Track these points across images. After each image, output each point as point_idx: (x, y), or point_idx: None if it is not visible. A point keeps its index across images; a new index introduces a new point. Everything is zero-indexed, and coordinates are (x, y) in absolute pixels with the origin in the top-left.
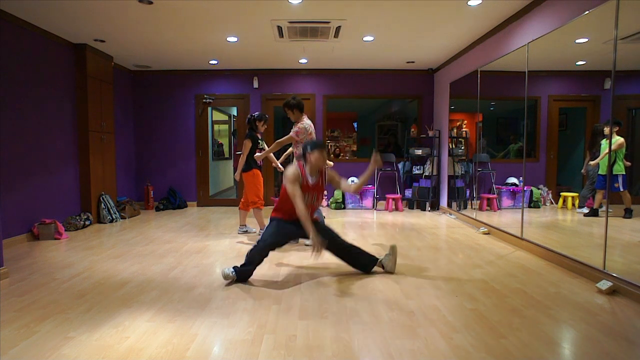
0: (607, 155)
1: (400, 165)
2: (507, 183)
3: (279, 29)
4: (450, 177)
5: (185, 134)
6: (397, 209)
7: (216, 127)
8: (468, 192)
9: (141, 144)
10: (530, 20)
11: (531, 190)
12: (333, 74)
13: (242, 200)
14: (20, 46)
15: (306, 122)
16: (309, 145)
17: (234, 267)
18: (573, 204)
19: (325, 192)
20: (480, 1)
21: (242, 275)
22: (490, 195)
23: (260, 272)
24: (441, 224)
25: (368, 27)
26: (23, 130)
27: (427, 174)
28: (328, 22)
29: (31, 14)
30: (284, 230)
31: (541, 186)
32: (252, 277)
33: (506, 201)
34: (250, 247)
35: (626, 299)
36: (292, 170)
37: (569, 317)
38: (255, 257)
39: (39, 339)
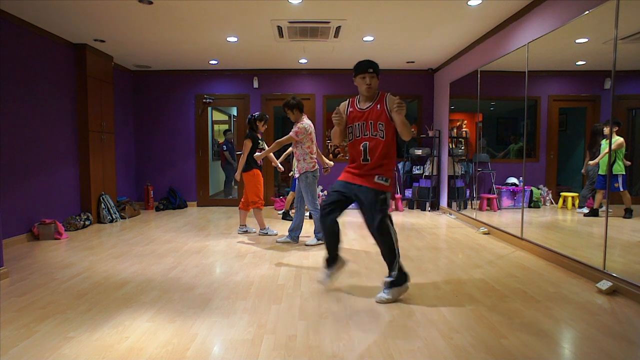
0: (606, 155)
1: (400, 165)
2: (507, 183)
3: (279, 29)
4: (450, 177)
5: (185, 134)
6: (397, 209)
7: (216, 127)
8: (468, 192)
9: (141, 144)
10: (530, 20)
11: (531, 190)
12: (333, 74)
13: (242, 200)
14: (20, 46)
15: (306, 122)
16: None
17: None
18: (573, 204)
19: (326, 193)
20: (480, 1)
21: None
22: (490, 195)
23: (260, 272)
24: (441, 224)
25: (368, 27)
26: (23, 130)
27: (427, 174)
28: (328, 22)
29: (31, 14)
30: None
31: (541, 186)
32: (251, 277)
33: (506, 201)
34: (250, 247)
35: (626, 299)
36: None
37: (569, 317)
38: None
39: (39, 339)
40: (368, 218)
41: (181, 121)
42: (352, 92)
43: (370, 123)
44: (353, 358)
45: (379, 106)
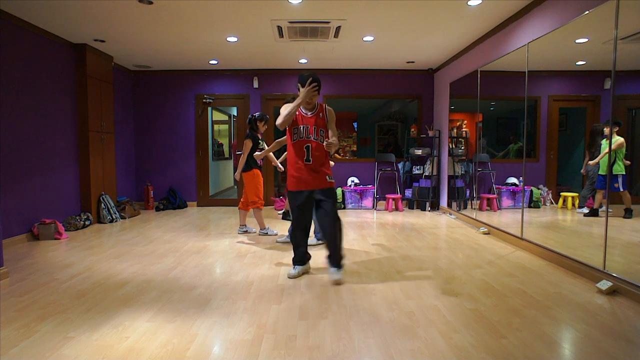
0: (606, 155)
1: (400, 165)
2: (507, 183)
3: (279, 29)
4: (450, 177)
5: (185, 134)
6: (397, 209)
7: (216, 127)
8: (468, 192)
9: (141, 144)
10: (530, 20)
11: (531, 190)
12: (333, 74)
13: (242, 200)
14: (20, 46)
15: None
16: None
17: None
18: (573, 204)
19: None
20: (480, 1)
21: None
22: (490, 195)
23: (260, 272)
24: (441, 224)
25: (368, 27)
26: (23, 130)
27: (427, 174)
28: (328, 22)
29: (31, 14)
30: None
31: (541, 186)
32: (251, 277)
33: (506, 201)
34: (250, 247)
35: (626, 299)
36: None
37: (569, 317)
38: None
39: (39, 339)
40: (328, 209)
41: (181, 121)
42: (351, 92)
43: (314, 128)
44: (353, 358)
45: (321, 114)
